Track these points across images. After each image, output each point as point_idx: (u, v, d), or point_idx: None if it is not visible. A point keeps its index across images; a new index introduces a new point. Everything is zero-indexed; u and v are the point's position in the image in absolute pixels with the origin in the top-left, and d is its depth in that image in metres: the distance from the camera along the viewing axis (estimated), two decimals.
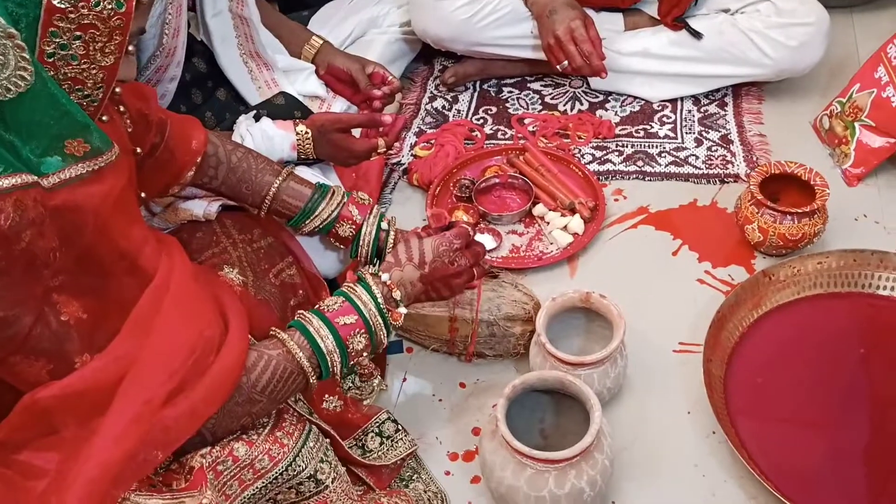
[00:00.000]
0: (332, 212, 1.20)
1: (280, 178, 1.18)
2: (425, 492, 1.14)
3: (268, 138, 1.29)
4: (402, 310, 1.01)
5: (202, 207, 1.17)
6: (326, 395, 1.14)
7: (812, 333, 1.30)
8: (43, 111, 0.73)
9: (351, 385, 1.24)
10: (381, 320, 0.98)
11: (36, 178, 0.73)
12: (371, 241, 1.22)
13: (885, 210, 1.52)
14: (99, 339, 0.78)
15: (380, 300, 0.98)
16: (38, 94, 0.72)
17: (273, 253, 1.17)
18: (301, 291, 1.18)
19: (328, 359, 0.94)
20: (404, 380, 1.32)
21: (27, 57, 0.69)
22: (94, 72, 0.76)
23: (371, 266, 1.04)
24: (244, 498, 0.90)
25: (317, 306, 0.98)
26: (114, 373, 0.77)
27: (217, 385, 0.83)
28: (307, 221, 1.20)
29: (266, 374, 0.89)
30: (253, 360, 0.90)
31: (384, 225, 1.23)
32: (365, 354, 0.98)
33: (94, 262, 0.79)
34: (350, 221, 1.21)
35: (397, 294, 1.01)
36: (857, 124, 1.57)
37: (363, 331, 0.96)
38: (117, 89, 0.87)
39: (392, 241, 1.22)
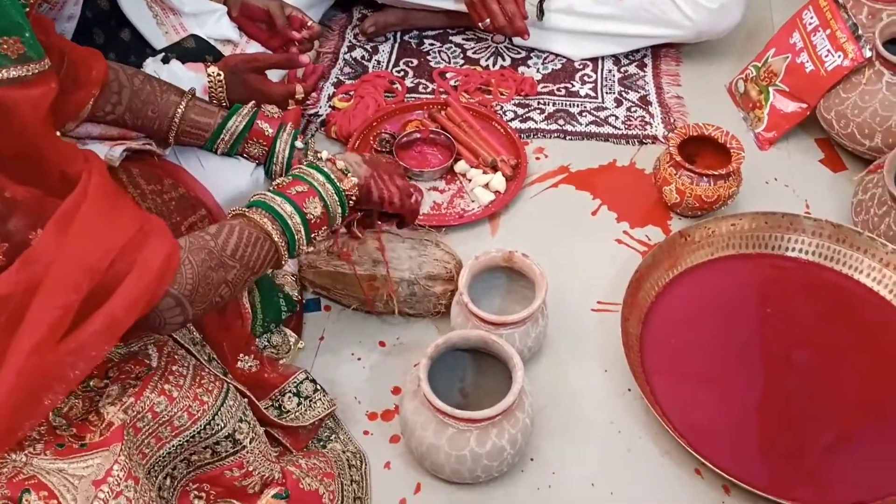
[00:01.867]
0: (242, 124, 1.17)
1: (185, 98, 1.14)
2: (343, 452, 1.12)
3: (177, 80, 1.21)
4: (352, 179, 1.03)
5: (104, 151, 1.09)
6: (241, 355, 1.10)
7: (724, 293, 1.33)
8: None
9: (267, 344, 1.20)
10: (330, 187, 1.00)
11: None
12: (285, 158, 1.19)
13: (794, 174, 1.56)
14: (45, 220, 0.74)
15: (325, 170, 1.01)
16: None
17: (185, 205, 1.11)
18: None
19: (289, 221, 0.94)
20: (321, 339, 1.29)
21: None
22: None
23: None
24: (160, 456, 0.86)
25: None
26: (34, 275, 0.73)
27: (140, 289, 0.78)
28: (219, 140, 1.16)
29: (233, 238, 0.88)
30: (215, 230, 0.89)
31: (299, 144, 1.20)
32: (325, 228, 1.00)
33: (31, 164, 0.75)
34: (262, 138, 1.18)
35: (340, 164, 1.03)
36: (771, 89, 1.60)
37: (316, 197, 0.98)
38: None
39: (309, 153, 1.19)
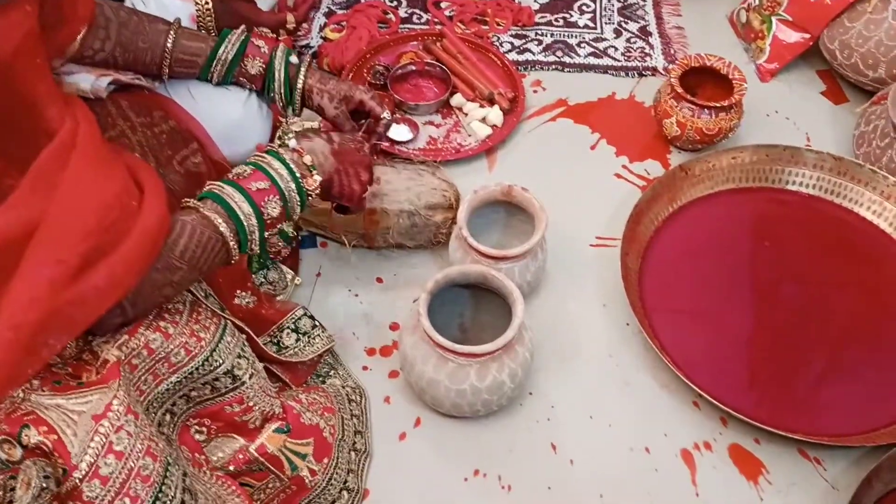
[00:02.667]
0: (234, 48, 1.12)
1: (173, 27, 1.10)
2: (343, 387, 1.12)
3: (163, 7, 1.16)
4: (317, 178, 0.98)
5: (90, 81, 1.05)
6: (239, 291, 1.08)
7: (724, 227, 1.32)
8: None
9: (263, 280, 1.19)
10: (293, 185, 0.94)
11: None
12: (283, 77, 1.15)
13: (795, 106, 1.54)
14: (3, 193, 0.70)
15: (291, 165, 0.95)
16: None
17: (176, 138, 1.08)
18: (207, 181, 1.10)
19: (244, 223, 0.89)
20: (318, 275, 1.28)
21: None
22: None
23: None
24: (158, 392, 0.85)
25: (225, 176, 0.93)
26: (17, 229, 0.69)
27: (139, 249, 0.76)
28: (213, 68, 1.12)
29: (183, 238, 0.83)
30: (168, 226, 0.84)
31: (293, 59, 1.16)
32: (282, 226, 0.95)
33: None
34: (259, 57, 1.13)
35: (307, 159, 0.97)
36: (774, 18, 1.57)
37: (276, 196, 0.93)
38: None
39: (303, 76, 1.15)
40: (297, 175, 0.95)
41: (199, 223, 0.86)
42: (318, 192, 0.99)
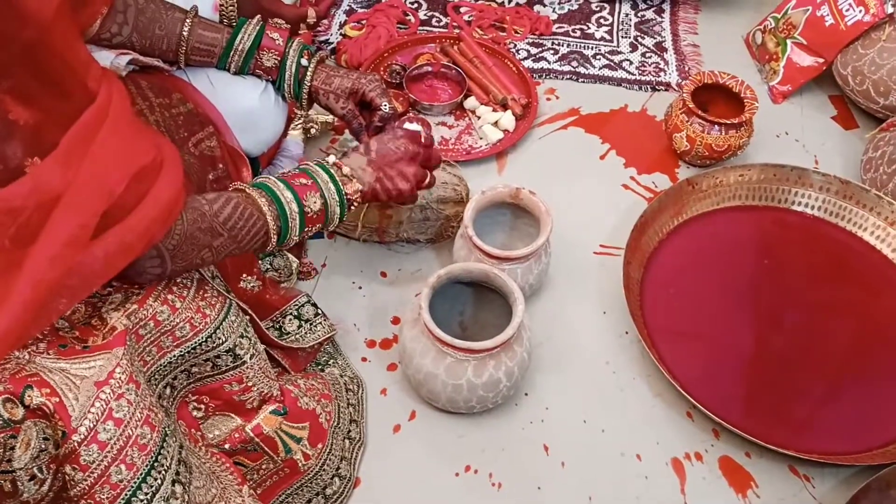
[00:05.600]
0: (250, 40, 1.13)
1: (190, 15, 1.11)
2: (341, 376, 1.13)
3: None
4: (356, 185, 1.01)
5: (109, 59, 1.07)
6: (244, 275, 1.10)
7: (727, 243, 1.33)
8: None
9: (269, 266, 1.21)
10: (333, 188, 0.98)
11: None
12: (294, 73, 1.17)
13: (805, 129, 1.55)
14: (45, 147, 0.72)
15: (331, 170, 0.99)
16: None
17: (192, 121, 1.09)
18: (221, 165, 1.11)
19: (286, 208, 0.93)
20: (324, 265, 1.29)
21: None
22: None
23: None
24: (160, 365, 0.86)
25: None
26: (55, 188, 0.71)
27: (152, 217, 0.78)
28: (230, 58, 1.14)
29: (227, 208, 0.87)
30: (213, 196, 0.87)
31: (304, 61, 1.17)
32: (319, 226, 0.98)
33: (40, 68, 0.71)
34: (273, 49, 1.15)
35: (346, 170, 1.01)
36: (789, 41, 1.58)
37: (317, 192, 0.96)
38: None
39: (310, 75, 1.17)
40: (337, 179, 0.99)
41: (245, 200, 0.90)
42: (359, 199, 1.02)
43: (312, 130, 1.43)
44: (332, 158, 1.02)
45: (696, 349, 1.20)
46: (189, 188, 1.01)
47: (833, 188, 1.35)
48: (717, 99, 1.46)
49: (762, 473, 1.08)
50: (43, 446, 0.73)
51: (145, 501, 0.76)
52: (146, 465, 0.76)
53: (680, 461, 1.09)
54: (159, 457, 0.78)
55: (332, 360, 1.16)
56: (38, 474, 0.74)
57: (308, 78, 1.16)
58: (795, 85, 1.58)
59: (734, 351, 1.21)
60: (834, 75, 1.54)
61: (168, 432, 0.80)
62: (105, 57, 1.07)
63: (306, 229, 0.96)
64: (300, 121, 1.41)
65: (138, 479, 0.75)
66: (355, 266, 1.29)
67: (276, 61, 1.15)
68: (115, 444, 0.74)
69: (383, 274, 1.29)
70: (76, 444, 0.72)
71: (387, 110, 1.17)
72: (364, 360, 1.18)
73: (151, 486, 0.76)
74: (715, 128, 1.38)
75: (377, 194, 1.05)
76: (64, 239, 0.72)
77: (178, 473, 0.80)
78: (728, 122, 1.37)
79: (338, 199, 0.98)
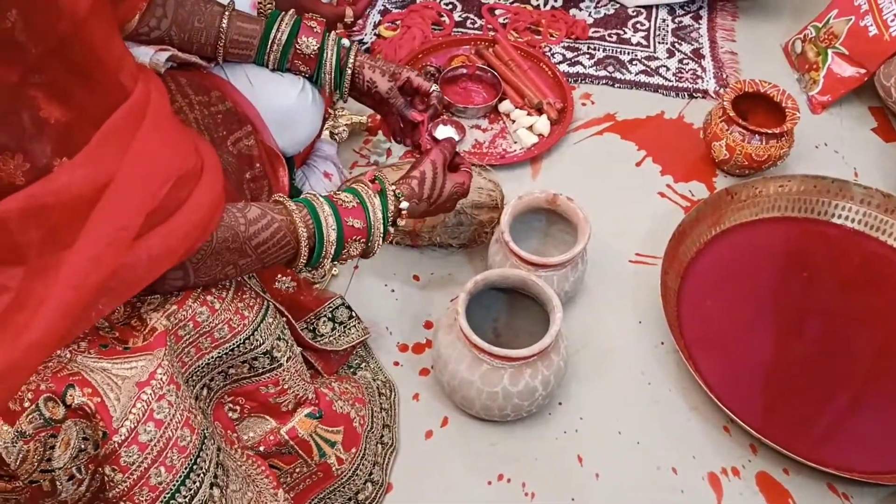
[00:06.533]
0: (287, 31, 1.11)
1: (228, 8, 1.10)
2: (374, 380, 1.12)
3: None
4: (402, 225, 0.99)
5: (148, 55, 1.06)
6: (279, 276, 1.09)
7: (765, 255, 1.31)
8: None
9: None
10: (380, 231, 0.95)
11: None
12: (335, 58, 1.14)
13: (845, 140, 1.53)
14: (75, 147, 0.71)
15: (388, 221, 0.96)
16: None
17: (231, 120, 1.09)
18: (258, 165, 1.11)
19: (325, 248, 0.90)
20: (356, 268, 1.28)
21: None
22: None
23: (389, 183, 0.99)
24: (199, 366, 0.85)
25: (329, 194, 0.93)
26: (86, 187, 0.69)
27: (194, 221, 0.77)
28: (268, 51, 1.12)
29: (265, 233, 0.85)
30: (256, 216, 0.85)
31: (345, 42, 1.15)
32: (347, 259, 0.96)
33: (74, 62, 0.70)
34: (312, 36, 1.12)
35: (401, 222, 0.98)
36: (830, 51, 1.56)
37: (363, 239, 0.93)
38: None
39: (353, 55, 1.15)
40: (389, 228, 0.97)
41: (286, 227, 0.87)
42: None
43: (339, 133, 1.41)
44: (404, 205, 0.97)
45: (734, 362, 1.18)
46: (228, 190, 1.01)
47: (875, 201, 1.32)
48: (757, 108, 1.44)
49: (800, 490, 1.06)
50: (83, 446, 0.73)
51: None
52: (185, 468, 0.75)
53: (717, 476, 1.07)
54: (198, 459, 0.77)
55: (364, 364, 1.15)
56: (77, 474, 0.74)
57: (351, 58, 1.14)
58: (836, 95, 1.56)
59: (772, 364, 1.19)
60: (875, 86, 1.52)
61: (206, 434, 0.79)
62: (144, 53, 1.06)
63: (333, 263, 0.95)
64: (328, 124, 1.40)
65: (177, 481, 0.75)
66: (388, 269, 1.28)
67: (316, 48, 1.12)
68: (155, 445, 0.73)
69: (416, 277, 1.27)
70: (117, 444, 0.72)
71: (437, 90, 1.15)
72: (396, 364, 1.17)
73: (190, 490, 0.75)
74: (755, 137, 1.36)
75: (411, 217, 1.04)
76: (105, 240, 0.71)
77: (216, 476, 0.79)
78: (769, 131, 1.35)
79: (381, 241, 0.96)
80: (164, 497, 0.74)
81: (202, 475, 0.77)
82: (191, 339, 0.84)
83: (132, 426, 0.72)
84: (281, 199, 0.90)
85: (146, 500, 0.73)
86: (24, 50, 0.65)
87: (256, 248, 0.85)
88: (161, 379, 0.76)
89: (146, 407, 0.73)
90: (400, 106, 1.15)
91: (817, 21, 1.60)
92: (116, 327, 0.81)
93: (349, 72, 1.15)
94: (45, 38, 0.67)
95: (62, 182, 0.68)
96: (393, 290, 1.26)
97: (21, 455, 0.69)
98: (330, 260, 0.92)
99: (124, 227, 0.71)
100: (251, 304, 0.89)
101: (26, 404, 0.70)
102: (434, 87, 1.15)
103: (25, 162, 0.66)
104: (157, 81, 0.80)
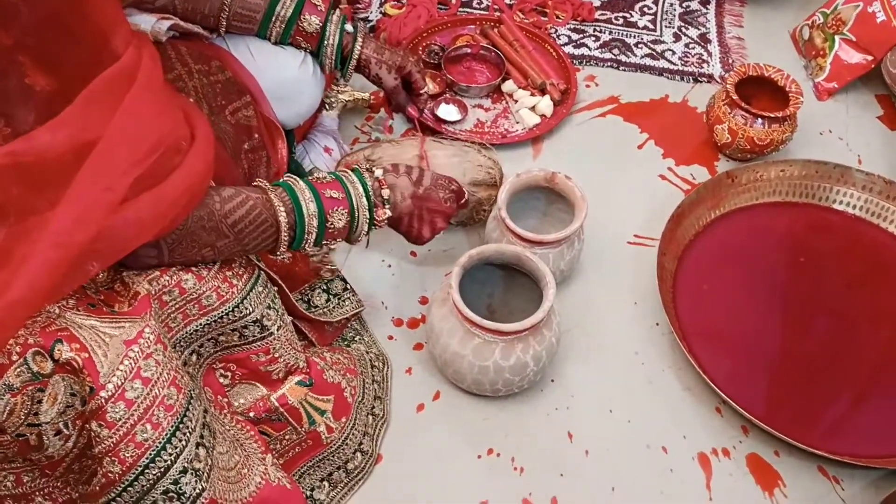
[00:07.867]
0: (291, 7, 1.11)
1: None
2: (367, 353, 1.12)
3: None
4: (388, 212, 0.98)
5: (150, 23, 1.06)
6: None
7: (763, 239, 1.31)
8: None
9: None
10: (365, 203, 0.95)
11: None
12: (336, 42, 1.14)
13: (850, 127, 1.52)
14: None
15: (370, 191, 0.96)
16: None
17: (230, 89, 1.09)
18: (256, 135, 1.11)
19: (306, 222, 0.90)
20: None
21: None
22: None
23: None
24: (186, 332, 0.86)
25: (307, 176, 0.95)
26: (67, 146, 0.69)
27: (183, 188, 0.77)
28: (272, 25, 1.12)
29: (240, 210, 0.85)
30: (230, 194, 0.85)
31: (349, 27, 1.15)
32: (339, 240, 0.96)
33: (63, 30, 0.70)
34: (316, 15, 1.13)
35: (385, 192, 0.98)
36: (837, 37, 1.54)
37: (345, 210, 0.93)
38: None
39: (359, 45, 1.15)
40: (372, 202, 0.96)
41: (262, 204, 0.87)
42: (384, 224, 1.00)
43: (330, 102, 1.40)
44: (378, 172, 0.99)
45: (728, 344, 1.18)
46: (225, 160, 1.01)
47: (876, 188, 1.31)
48: (761, 93, 1.42)
49: (790, 473, 1.06)
50: (70, 401, 0.73)
51: (169, 462, 0.75)
52: (171, 426, 0.76)
53: (707, 456, 1.07)
54: (184, 419, 0.77)
55: (358, 337, 1.15)
56: (64, 430, 0.75)
57: (357, 48, 1.15)
58: (842, 82, 1.54)
59: (766, 348, 1.18)
60: (882, 74, 1.50)
61: (193, 395, 0.80)
62: (146, 21, 1.07)
63: (325, 242, 0.94)
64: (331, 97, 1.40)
65: (163, 439, 0.75)
66: (385, 244, 1.28)
67: (318, 27, 1.13)
68: (141, 402, 0.74)
69: (413, 254, 1.28)
70: (103, 400, 0.72)
71: (429, 91, 1.17)
72: (390, 338, 1.18)
73: (176, 448, 0.76)
74: (758, 121, 1.35)
75: (400, 225, 1.04)
76: (89, 200, 0.71)
77: (202, 437, 0.79)
78: (771, 115, 1.34)
79: (367, 220, 0.96)
80: (150, 454, 0.75)
81: (188, 434, 0.78)
82: (177, 306, 0.85)
83: (119, 383, 0.73)
84: (257, 182, 0.91)
85: (132, 456, 0.74)
86: (20, 13, 0.66)
87: (233, 226, 0.84)
88: (148, 338, 0.76)
89: (133, 364, 0.74)
90: (401, 100, 1.19)
91: (825, 7, 1.59)
92: (101, 291, 0.81)
93: (354, 62, 1.16)
94: (40, 3, 0.67)
95: (43, 141, 0.68)
96: (390, 266, 1.26)
97: (8, 408, 0.70)
98: (315, 236, 0.91)
99: (109, 189, 0.71)
100: (240, 272, 0.89)
101: (14, 358, 0.70)
102: (426, 87, 1.19)
103: (6, 126, 0.67)
104: (152, 49, 0.80)
